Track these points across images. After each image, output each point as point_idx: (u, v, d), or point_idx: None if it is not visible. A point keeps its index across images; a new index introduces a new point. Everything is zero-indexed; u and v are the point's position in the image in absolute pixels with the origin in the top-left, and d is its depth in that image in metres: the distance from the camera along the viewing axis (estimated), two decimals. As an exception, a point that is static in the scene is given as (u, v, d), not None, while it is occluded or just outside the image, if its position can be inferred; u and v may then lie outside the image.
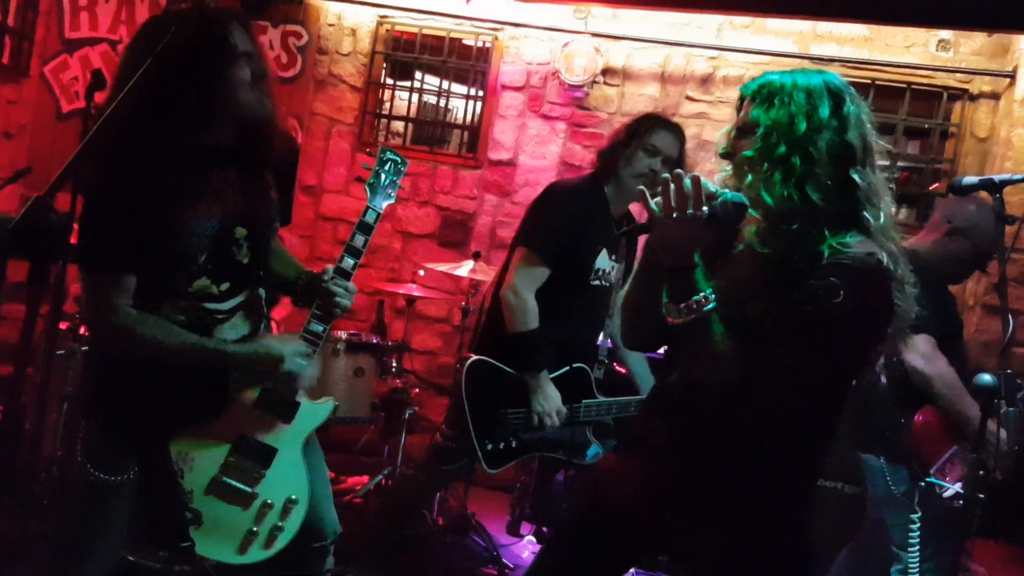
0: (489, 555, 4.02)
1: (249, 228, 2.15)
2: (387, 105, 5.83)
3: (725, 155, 1.91)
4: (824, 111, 1.76)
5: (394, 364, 4.35)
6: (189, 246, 2.02)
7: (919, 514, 2.75)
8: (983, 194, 2.78)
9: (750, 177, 1.81)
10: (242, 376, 2.15)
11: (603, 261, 3.23)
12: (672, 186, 1.71)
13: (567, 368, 3.21)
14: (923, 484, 2.83)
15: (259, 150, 2.13)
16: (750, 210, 1.79)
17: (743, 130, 1.86)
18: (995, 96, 4.86)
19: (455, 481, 3.93)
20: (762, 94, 1.82)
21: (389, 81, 5.83)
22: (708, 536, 1.83)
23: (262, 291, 2.24)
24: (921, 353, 2.98)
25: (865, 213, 1.75)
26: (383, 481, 4.15)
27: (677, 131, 3.22)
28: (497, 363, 3.14)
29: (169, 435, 2.05)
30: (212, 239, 2.06)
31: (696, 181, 1.70)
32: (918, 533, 2.75)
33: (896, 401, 3.06)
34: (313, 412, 2.27)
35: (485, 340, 3.29)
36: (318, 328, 2.23)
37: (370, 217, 2.36)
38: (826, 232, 1.73)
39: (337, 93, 5.66)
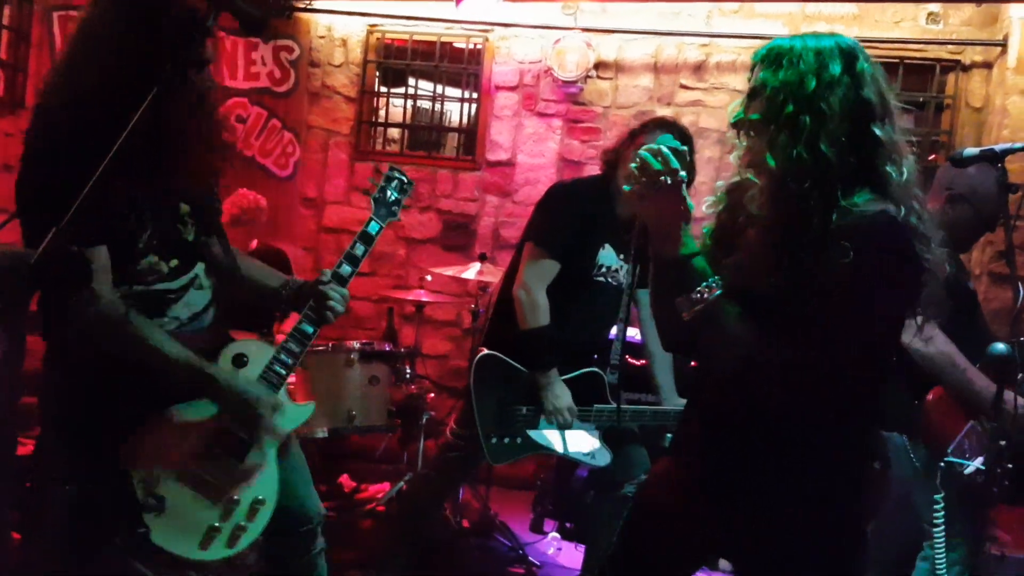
0: (515, 554, 4.04)
1: (192, 205, 2.16)
2: (382, 113, 5.85)
3: (736, 124, 1.87)
4: (835, 68, 1.72)
5: (408, 370, 4.37)
6: (133, 222, 2.00)
7: (942, 494, 2.75)
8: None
9: (756, 141, 1.79)
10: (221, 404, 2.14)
11: (608, 258, 3.23)
12: (641, 161, 1.73)
13: (581, 372, 3.22)
14: (942, 465, 2.83)
15: (201, 135, 2.07)
16: (750, 176, 1.80)
17: (752, 95, 1.82)
18: (987, 65, 4.87)
19: (467, 479, 3.93)
20: (770, 57, 1.78)
21: (383, 89, 5.85)
22: (759, 533, 1.81)
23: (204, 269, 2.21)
24: (920, 334, 2.98)
25: (888, 168, 1.71)
26: (404, 487, 4.17)
27: (680, 133, 3.18)
28: (507, 359, 3.16)
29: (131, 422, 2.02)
30: (156, 215, 2.05)
31: (661, 151, 1.71)
32: (942, 513, 2.75)
33: (907, 382, 3.07)
34: (295, 413, 2.28)
35: (492, 337, 3.29)
36: (308, 329, 2.25)
37: (372, 228, 2.39)
38: (838, 194, 1.68)
39: (332, 104, 5.67)
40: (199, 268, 2.19)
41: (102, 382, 2.02)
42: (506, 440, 3.13)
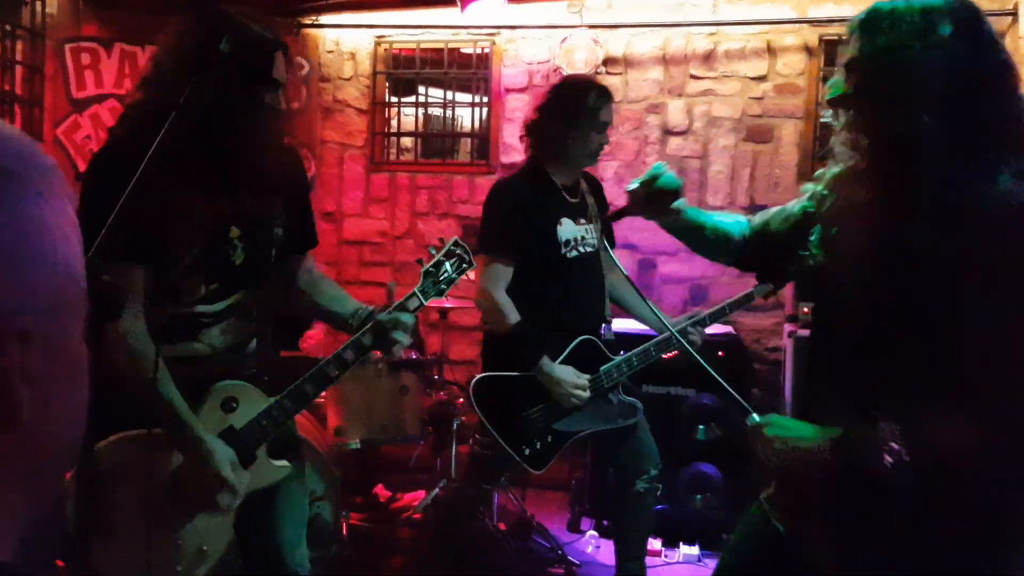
0: (555, 555, 4.04)
1: (244, 228, 2.09)
2: (394, 123, 5.88)
3: (832, 102, 1.67)
4: (944, 29, 1.49)
5: (436, 377, 4.38)
6: (178, 239, 1.96)
7: None
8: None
9: (846, 117, 1.62)
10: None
11: (569, 231, 3.19)
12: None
13: (573, 345, 3.16)
14: None
15: (265, 161, 2.05)
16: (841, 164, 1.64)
17: (850, 67, 1.61)
18: (1000, 35, 4.82)
19: (498, 485, 3.92)
20: (869, 22, 1.58)
21: (393, 99, 5.87)
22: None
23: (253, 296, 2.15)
24: None
25: None
26: (440, 493, 4.18)
27: (609, 95, 3.25)
28: (498, 373, 3.14)
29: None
30: (203, 234, 2.01)
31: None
32: None
33: None
34: (265, 473, 2.14)
35: (487, 354, 3.30)
36: (333, 372, 2.16)
37: (412, 304, 2.23)
38: (964, 176, 1.47)
39: (344, 118, 5.71)
40: (243, 295, 2.12)
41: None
42: (538, 445, 3.12)
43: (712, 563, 3.50)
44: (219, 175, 1.97)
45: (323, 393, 3.94)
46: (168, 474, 2.04)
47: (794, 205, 1.92)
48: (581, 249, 3.21)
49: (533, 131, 3.26)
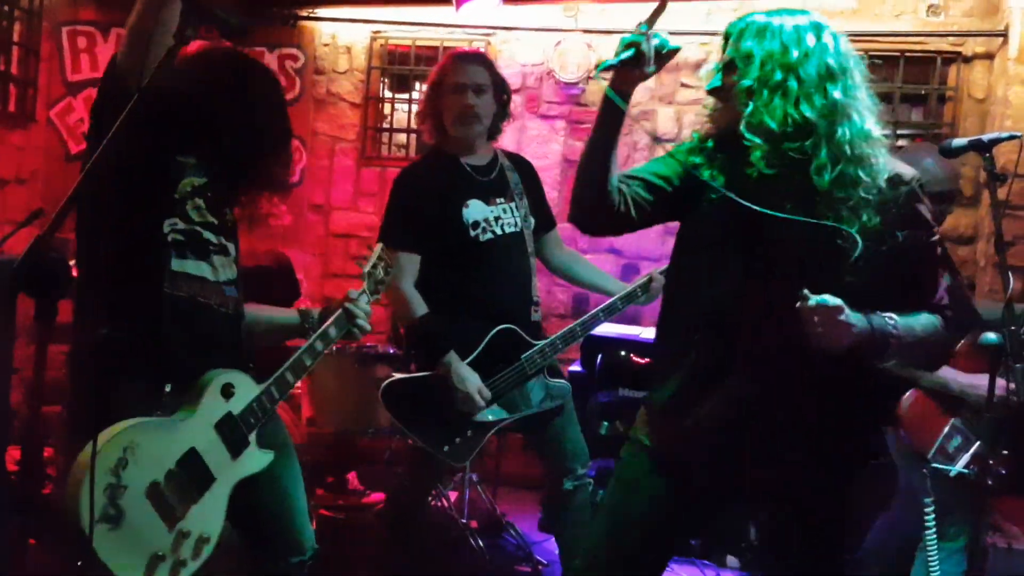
0: (522, 553, 4.07)
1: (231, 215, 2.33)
2: (387, 119, 5.90)
3: (715, 90, 2.08)
4: (811, 39, 1.97)
5: (412, 371, 4.39)
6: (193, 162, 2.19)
7: (932, 498, 2.76)
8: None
9: (751, 106, 1.96)
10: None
11: (478, 212, 3.11)
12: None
13: (488, 338, 3.06)
14: (925, 471, 2.83)
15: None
16: (749, 135, 1.97)
17: (732, 65, 2.02)
18: (989, 56, 4.85)
19: (441, 477, 3.91)
20: (751, 29, 2.01)
21: (387, 95, 5.90)
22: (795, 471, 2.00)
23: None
24: None
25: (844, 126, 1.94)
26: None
27: (474, 58, 3.23)
28: (406, 375, 3.09)
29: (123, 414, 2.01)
30: (214, 176, 2.22)
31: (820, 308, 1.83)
32: (933, 518, 2.75)
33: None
34: (254, 459, 2.22)
35: (407, 353, 3.28)
36: (308, 362, 2.32)
37: (363, 301, 2.43)
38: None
39: (337, 111, 5.73)
40: (232, 248, 2.31)
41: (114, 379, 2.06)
42: (457, 441, 3.04)
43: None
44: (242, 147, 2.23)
45: (298, 384, 4.00)
46: (173, 461, 2.07)
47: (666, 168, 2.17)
48: (497, 230, 3.12)
49: (419, 114, 3.29)
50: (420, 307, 3.04)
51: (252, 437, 2.21)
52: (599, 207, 2.07)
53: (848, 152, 1.93)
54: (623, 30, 5.27)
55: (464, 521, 4.14)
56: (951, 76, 4.99)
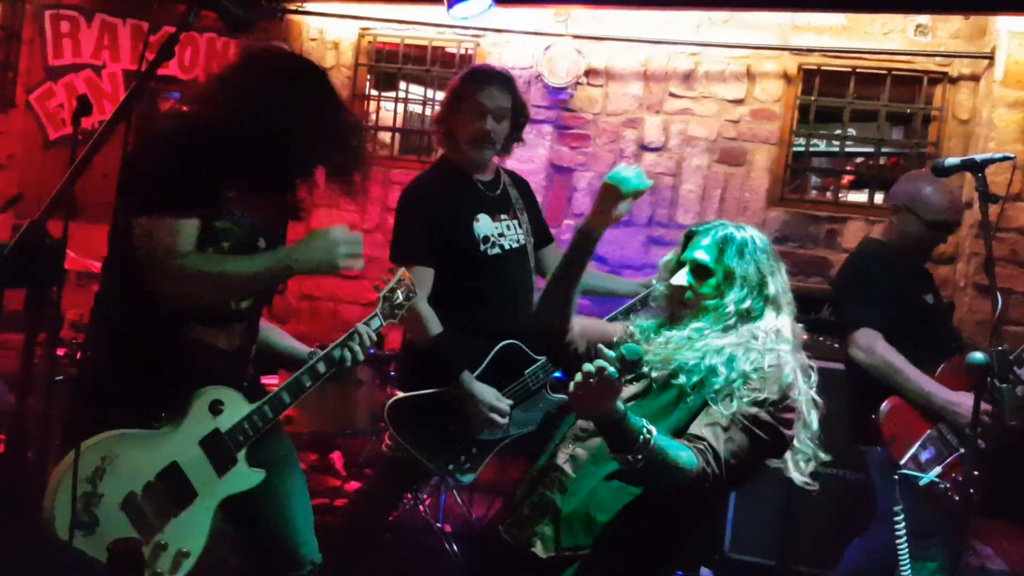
0: (497, 559, 4.03)
1: (268, 243, 2.26)
2: (373, 117, 5.85)
3: (679, 288, 2.27)
4: (771, 261, 2.23)
5: (392, 373, 4.36)
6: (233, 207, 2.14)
7: (901, 506, 2.77)
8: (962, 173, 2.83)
9: (709, 317, 2.19)
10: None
11: (486, 227, 3.09)
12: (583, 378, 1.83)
13: (494, 352, 3.05)
14: (896, 477, 2.85)
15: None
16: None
17: (705, 271, 2.22)
18: (975, 78, 4.89)
19: (411, 490, 3.88)
20: (734, 245, 2.21)
21: (374, 93, 5.85)
22: None
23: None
24: (860, 347, 3.10)
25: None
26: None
27: (500, 80, 3.13)
28: (412, 394, 3.03)
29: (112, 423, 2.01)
30: (237, 235, 2.16)
31: (601, 370, 1.81)
32: (903, 526, 2.76)
33: (875, 385, 3.11)
34: (242, 477, 2.20)
35: (407, 365, 3.23)
36: (286, 399, 2.28)
37: (374, 324, 2.45)
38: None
39: (323, 107, 5.66)
40: (256, 301, 2.30)
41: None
42: (463, 459, 3.02)
43: None
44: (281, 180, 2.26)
45: (277, 381, 3.94)
46: (153, 473, 2.06)
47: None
48: (505, 245, 3.11)
49: (435, 120, 3.24)
50: (436, 326, 2.98)
51: (241, 455, 2.18)
52: (561, 329, 2.30)
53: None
54: (614, 37, 5.32)
55: (439, 526, 4.10)
56: (937, 96, 5.02)
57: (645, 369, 2.11)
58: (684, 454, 1.92)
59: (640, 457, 1.84)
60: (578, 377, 1.82)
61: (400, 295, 2.49)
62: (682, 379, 2.08)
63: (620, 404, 1.84)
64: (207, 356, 2.16)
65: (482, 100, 3.06)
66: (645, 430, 1.85)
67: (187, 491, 2.10)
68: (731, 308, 2.16)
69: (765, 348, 2.10)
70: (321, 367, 2.30)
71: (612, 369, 1.79)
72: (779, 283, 2.22)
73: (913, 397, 3.04)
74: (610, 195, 2.16)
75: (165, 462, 2.07)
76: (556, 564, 2.03)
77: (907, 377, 3.04)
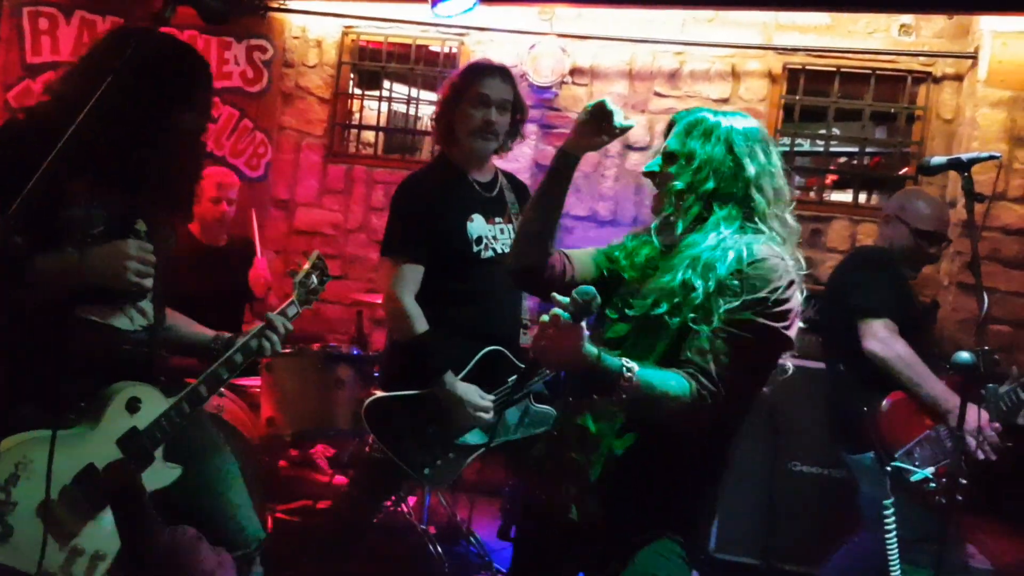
0: (481, 561, 4.01)
1: (149, 225, 2.20)
2: (356, 115, 5.81)
3: (651, 174, 2.13)
4: (751, 150, 2.00)
5: (375, 374, 4.32)
6: (85, 216, 2.04)
7: (891, 499, 2.76)
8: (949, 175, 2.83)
9: (669, 208, 2.05)
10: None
11: (480, 228, 3.03)
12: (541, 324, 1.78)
13: (477, 357, 2.99)
14: (888, 469, 2.84)
15: (177, 167, 2.21)
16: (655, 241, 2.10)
17: (672, 156, 2.06)
18: (958, 78, 4.91)
19: (394, 493, 3.83)
20: (700, 128, 2.03)
21: (357, 91, 5.81)
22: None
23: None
24: (878, 337, 3.06)
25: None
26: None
27: (502, 73, 3.09)
28: (391, 394, 2.98)
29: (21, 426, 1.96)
30: (112, 217, 2.09)
31: (556, 318, 1.74)
32: (893, 520, 2.75)
33: (863, 387, 3.10)
34: (158, 475, 2.17)
35: (390, 362, 3.18)
36: (224, 374, 2.28)
37: (291, 311, 2.42)
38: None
39: (305, 106, 5.64)
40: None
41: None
42: (439, 462, 2.96)
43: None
44: (137, 170, 2.12)
45: (256, 382, 3.90)
46: (69, 477, 2.02)
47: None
48: (497, 249, 3.05)
49: (434, 118, 3.18)
50: (422, 324, 2.93)
51: (159, 452, 2.15)
52: (541, 263, 2.12)
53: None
54: (598, 36, 5.31)
55: (423, 527, 4.07)
56: (920, 96, 5.03)
57: (630, 312, 2.02)
58: (674, 382, 1.84)
59: (626, 396, 1.79)
60: (536, 331, 1.78)
61: (315, 279, 2.48)
62: (664, 307, 1.95)
63: (591, 347, 1.77)
64: (105, 337, 2.11)
65: (485, 91, 3.01)
66: (625, 368, 1.79)
67: (101, 495, 2.07)
68: (694, 193, 2.00)
69: (744, 242, 1.93)
70: (238, 358, 2.27)
71: (565, 314, 1.73)
72: (762, 167, 2.00)
73: (921, 395, 3.02)
74: (599, 117, 2.05)
75: (81, 464, 2.03)
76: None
77: (919, 374, 3.02)
